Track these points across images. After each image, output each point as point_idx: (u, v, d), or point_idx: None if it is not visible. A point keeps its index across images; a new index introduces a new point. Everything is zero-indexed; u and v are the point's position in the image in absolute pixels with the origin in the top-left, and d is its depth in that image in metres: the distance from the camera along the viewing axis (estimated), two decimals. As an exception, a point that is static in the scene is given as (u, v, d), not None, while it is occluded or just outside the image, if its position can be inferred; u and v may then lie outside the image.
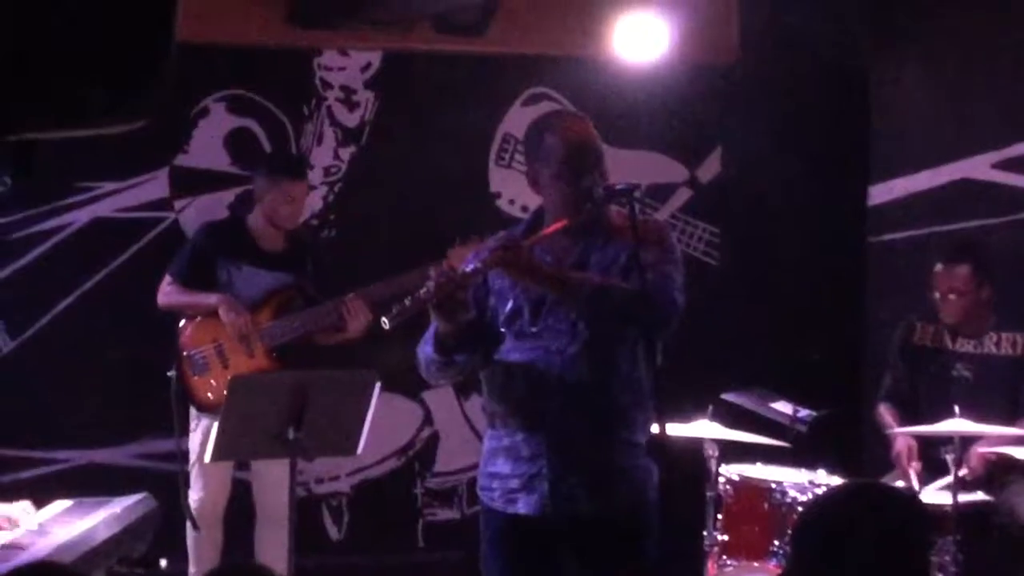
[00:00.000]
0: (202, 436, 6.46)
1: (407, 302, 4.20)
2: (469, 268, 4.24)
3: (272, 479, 6.46)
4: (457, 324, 4.22)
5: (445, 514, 7.83)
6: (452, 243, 6.19)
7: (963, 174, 7.53)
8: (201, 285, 6.53)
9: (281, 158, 6.72)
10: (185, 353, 6.49)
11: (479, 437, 4.55)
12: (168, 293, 6.60)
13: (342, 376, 5.80)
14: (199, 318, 6.52)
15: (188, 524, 6.46)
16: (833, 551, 2.63)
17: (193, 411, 6.52)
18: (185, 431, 6.49)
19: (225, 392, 6.34)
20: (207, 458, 5.76)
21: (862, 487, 3.02)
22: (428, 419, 7.81)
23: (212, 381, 6.45)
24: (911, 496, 2.90)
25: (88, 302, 6.82)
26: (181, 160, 7.33)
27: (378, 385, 5.71)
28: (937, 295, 6.50)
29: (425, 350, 4.34)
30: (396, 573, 7.62)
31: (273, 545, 6.44)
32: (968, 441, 6.04)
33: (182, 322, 6.56)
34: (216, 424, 6.36)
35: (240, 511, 6.62)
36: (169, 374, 6.44)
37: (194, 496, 6.47)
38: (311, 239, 6.95)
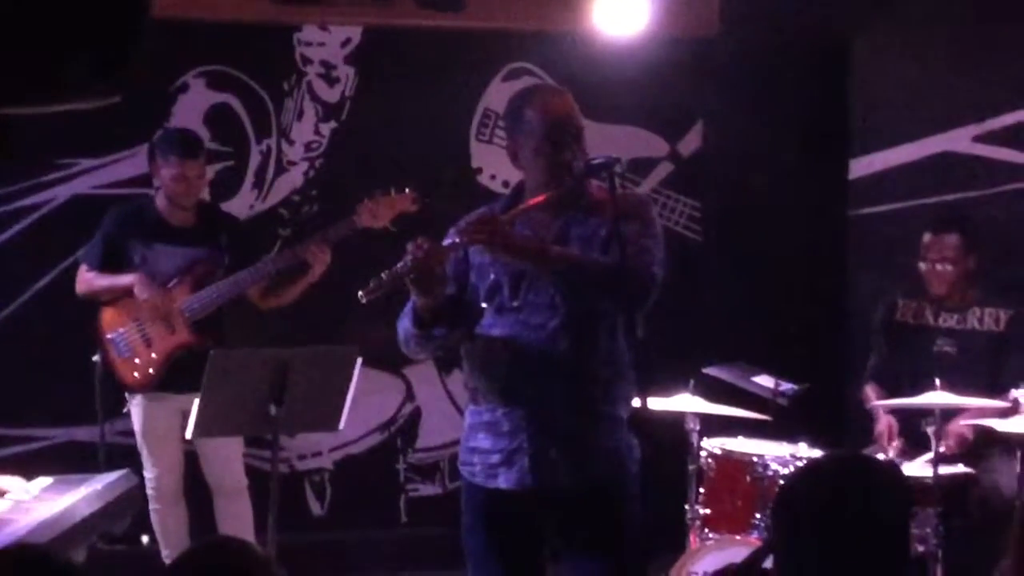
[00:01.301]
0: (142, 416, 6.46)
1: (384, 275, 4.20)
2: (447, 242, 4.24)
3: (218, 455, 6.46)
4: (435, 298, 4.22)
5: (427, 489, 7.83)
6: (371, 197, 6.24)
7: (944, 147, 7.54)
8: (116, 268, 6.51)
9: (172, 137, 6.64)
10: (107, 336, 6.47)
11: (461, 412, 4.55)
12: (85, 280, 6.58)
13: (323, 352, 5.80)
14: (118, 301, 6.49)
15: (150, 502, 6.47)
16: (814, 523, 2.64)
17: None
18: (110, 415, 6.55)
19: (153, 371, 6.38)
20: (188, 435, 5.77)
21: (843, 459, 3.02)
22: (410, 395, 7.81)
23: (136, 360, 6.44)
24: (892, 467, 2.90)
25: (68, 279, 6.79)
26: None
27: (359, 361, 5.71)
28: (924, 265, 6.52)
29: (404, 324, 4.34)
30: (379, 548, 7.62)
31: (234, 520, 6.45)
32: (949, 414, 6.05)
33: (102, 307, 6.54)
34: (144, 401, 6.40)
35: (204, 487, 6.60)
36: (93, 359, 6.44)
37: (148, 475, 6.47)
38: (225, 214, 6.90)
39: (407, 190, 6.37)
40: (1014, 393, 5.84)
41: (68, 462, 6.67)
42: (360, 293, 4.22)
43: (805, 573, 2.62)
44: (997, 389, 6.10)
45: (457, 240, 4.23)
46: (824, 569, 2.61)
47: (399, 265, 4.19)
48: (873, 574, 2.62)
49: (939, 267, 6.48)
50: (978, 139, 7.36)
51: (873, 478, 2.69)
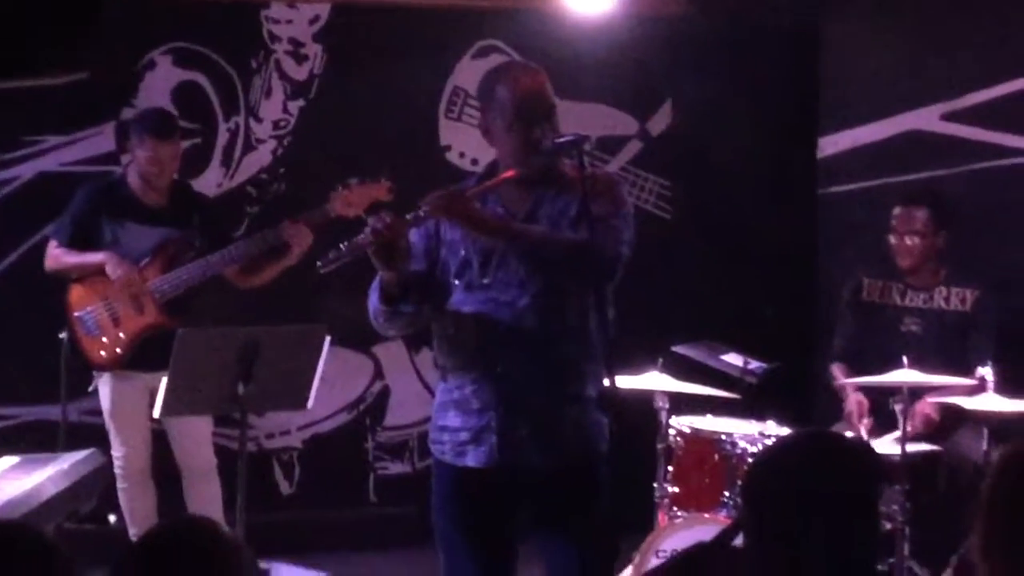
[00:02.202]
0: (110, 394, 6.44)
1: (343, 247, 4.20)
2: (410, 215, 4.23)
3: (187, 433, 6.45)
4: (398, 272, 4.21)
5: (396, 468, 7.83)
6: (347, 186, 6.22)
7: (912, 126, 7.56)
8: (86, 246, 6.47)
9: (148, 117, 6.59)
10: (75, 314, 6.45)
11: (430, 391, 4.55)
12: (54, 257, 6.55)
13: (291, 330, 5.80)
14: (87, 279, 6.46)
15: (118, 481, 6.45)
16: (783, 500, 2.64)
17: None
18: (76, 394, 6.52)
19: (120, 350, 6.36)
20: (156, 413, 5.76)
21: (811, 436, 3.03)
22: (379, 373, 7.80)
23: (104, 339, 6.41)
24: (861, 444, 2.91)
25: (34, 257, 6.76)
26: (127, 114, 7.25)
27: (328, 339, 5.70)
28: (894, 238, 6.55)
29: (372, 300, 4.33)
30: (347, 527, 7.62)
31: (203, 500, 6.45)
32: (916, 392, 6.07)
33: (71, 284, 6.51)
34: (112, 380, 6.38)
35: (173, 466, 6.58)
36: (60, 336, 6.42)
37: (116, 454, 6.45)
38: (197, 193, 6.87)
39: (382, 179, 6.34)
40: (980, 371, 5.88)
41: (34, 441, 6.65)
42: (319, 263, 4.24)
43: (774, 551, 2.63)
44: (964, 368, 6.14)
45: (420, 213, 4.23)
46: (793, 546, 2.61)
47: (360, 237, 4.18)
48: (842, 550, 2.63)
49: (907, 240, 6.52)
50: (946, 117, 7.38)
51: (841, 455, 2.70)
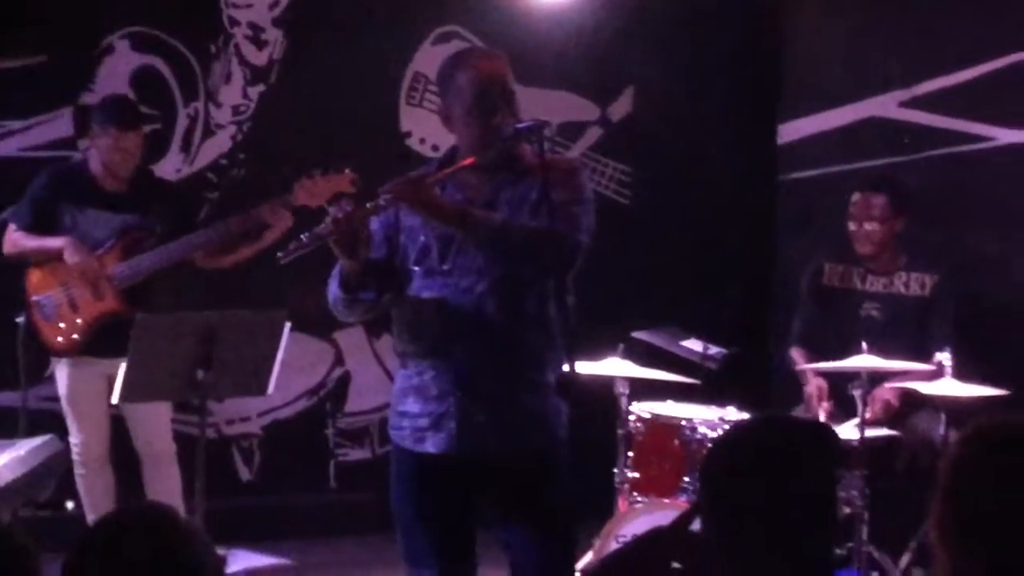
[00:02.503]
0: (67, 380, 6.41)
1: (304, 237, 4.19)
2: (370, 204, 4.22)
3: (146, 420, 6.43)
4: (359, 260, 4.20)
5: (357, 454, 7.82)
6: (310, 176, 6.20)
7: (871, 112, 7.59)
8: (45, 231, 6.43)
9: (112, 106, 6.55)
10: (33, 298, 6.42)
11: (390, 377, 4.55)
12: (12, 241, 6.51)
13: (251, 316, 5.78)
14: (46, 263, 6.43)
15: (76, 468, 6.43)
16: (739, 484, 2.65)
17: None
18: (33, 379, 6.51)
19: (78, 336, 6.33)
20: (115, 399, 5.73)
21: (769, 420, 3.04)
22: (339, 359, 7.79)
23: (61, 325, 6.38)
24: (819, 427, 2.92)
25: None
26: (86, 98, 7.21)
27: (288, 325, 5.69)
28: (853, 225, 6.58)
29: (332, 287, 4.32)
30: (308, 514, 7.61)
31: (162, 486, 6.43)
32: (875, 377, 6.10)
33: (29, 268, 6.47)
34: (70, 366, 6.35)
35: (132, 452, 6.55)
36: (17, 320, 6.39)
37: (74, 440, 6.43)
38: (159, 179, 6.84)
39: (346, 170, 6.30)
40: (939, 356, 5.91)
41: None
42: (279, 254, 4.23)
43: (731, 534, 2.63)
44: (923, 353, 6.17)
45: (380, 201, 4.22)
46: (750, 530, 2.62)
47: (320, 226, 4.18)
48: (799, 534, 2.64)
49: (866, 226, 6.55)
50: (904, 104, 7.42)
51: (797, 438, 2.70)
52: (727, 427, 5.94)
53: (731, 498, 2.65)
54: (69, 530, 6.30)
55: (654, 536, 2.67)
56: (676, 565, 2.64)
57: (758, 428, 2.89)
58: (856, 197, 6.61)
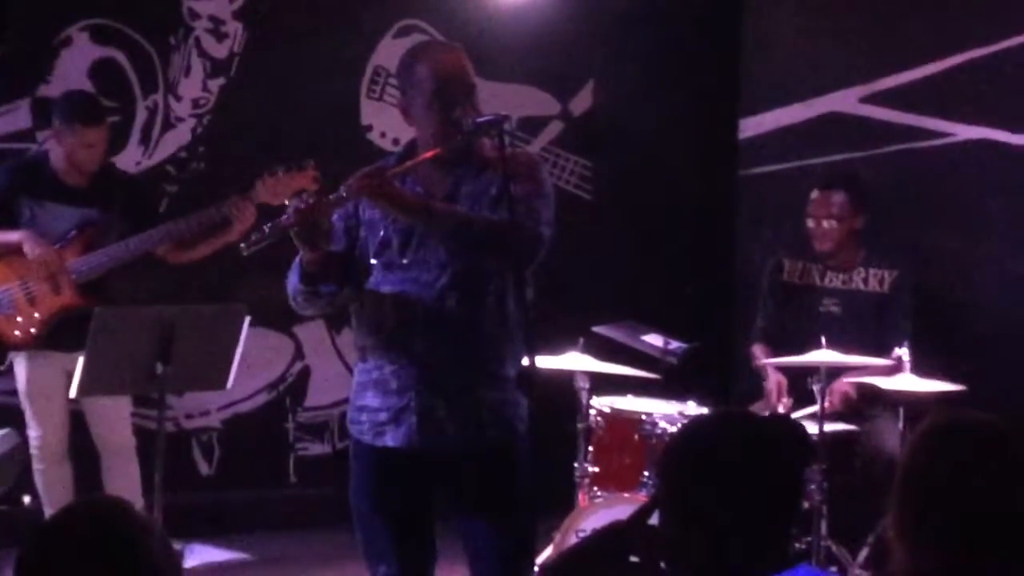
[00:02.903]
0: (25, 374, 6.37)
1: (266, 228, 4.19)
2: (332, 196, 4.22)
3: (105, 414, 6.40)
4: (320, 252, 4.19)
5: (316, 449, 7.81)
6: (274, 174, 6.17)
7: (831, 108, 7.62)
8: (4, 225, 6.39)
9: (76, 102, 6.49)
10: None
11: (351, 371, 4.53)
12: None
13: (211, 310, 5.76)
14: (3, 257, 6.38)
15: (34, 462, 6.40)
16: (693, 478, 2.65)
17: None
18: None
19: (35, 330, 6.29)
20: (72, 393, 5.70)
21: (722, 415, 3.05)
22: (299, 353, 7.77)
23: (19, 318, 6.34)
24: (781, 422, 2.91)
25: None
26: (43, 90, 7.17)
27: (247, 319, 5.67)
28: (811, 222, 6.60)
29: (291, 280, 4.31)
30: (268, 508, 7.59)
31: (121, 480, 6.40)
32: (834, 372, 6.13)
33: None
34: (28, 359, 6.32)
35: (91, 446, 6.52)
36: None
37: (32, 434, 6.40)
38: (121, 173, 6.80)
39: (308, 168, 6.27)
40: (897, 352, 5.93)
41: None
42: (242, 245, 4.22)
43: (690, 530, 2.64)
44: (882, 348, 6.19)
45: (342, 194, 4.21)
46: (708, 525, 2.63)
47: (282, 218, 4.17)
48: (755, 529, 2.64)
49: (825, 224, 6.57)
50: (865, 100, 7.44)
51: (751, 433, 2.70)
52: (685, 422, 5.96)
53: (684, 492, 2.66)
54: (26, 524, 6.31)
55: (612, 530, 2.67)
56: (634, 559, 2.64)
57: (710, 423, 2.89)
58: (815, 195, 6.63)
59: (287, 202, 5.97)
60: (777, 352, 6.54)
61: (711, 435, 2.73)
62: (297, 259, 4.27)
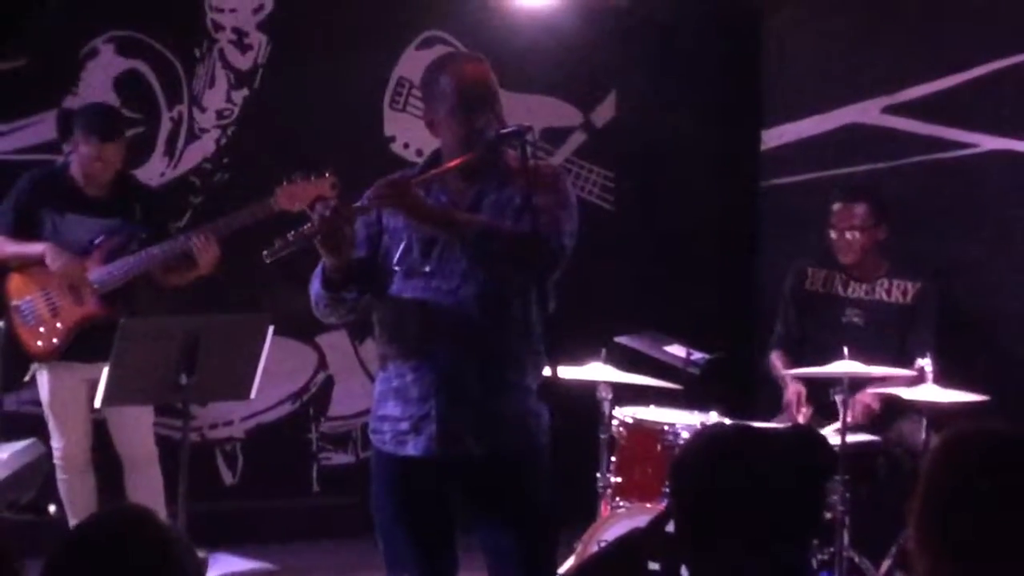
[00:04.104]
0: (48, 385, 6.40)
1: (290, 236, 4.20)
2: (356, 204, 4.23)
3: (128, 424, 6.42)
4: (343, 259, 4.21)
5: (340, 458, 7.82)
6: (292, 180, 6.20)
7: (853, 119, 7.61)
8: (27, 235, 6.43)
9: (93, 117, 6.53)
10: (13, 303, 6.41)
11: (373, 381, 4.53)
12: None
13: (234, 320, 5.78)
14: (26, 268, 6.42)
15: (58, 472, 6.42)
16: (698, 490, 2.66)
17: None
18: (12, 384, 6.50)
19: (57, 341, 6.31)
20: (97, 403, 5.73)
21: (727, 429, 3.05)
22: (323, 363, 7.79)
23: (41, 329, 6.37)
24: (799, 432, 2.90)
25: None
26: (69, 102, 7.20)
27: (271, 329, 5.69)
28: (834, 234, 6.59)
29: (314, 286, 4.33)
30: (291, 518, 7.60)
31: (144, 490, 6.42)
32: (856, 383, 6.12)
33: (9, 273, 6.47)
34: (51, 370, 6.34)
35: (114, 456, 6.55)
36: None
37: (56, 445, 6.42)
38: (140, 183, 6.83)
39: (326, 174, 6.30)
40: (920, 363, 5.92)
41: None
42: (265, 253, 4.22)
43: (700, 537, 2.64)
44: (904, 359, 6.18)
45: (365, 202, 4.22)
46: (711, 531, 2.63)
47: (306, 226, 4.18)
48: (769, 540, 2.64)
49: (848, 235, 6.57)
50: (887, 111, 7.43)
51: (752, 447, 2.70)
52: (696, 432, 5.95)
53: (693, 503, 2.66)
54: (51, 533, 6.32)
55: (631, 537, 2.68)
56: (653, 566, 2.64)
57: (714, 437, 2.89)
58: (837, 206, 6.63)
59: (307, 209, 6.06)
60: (798, 362, 6.53)
61: (708, 452, 2.73)
62: (320, 265, 4.29)
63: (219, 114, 7.56)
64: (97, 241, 6.41)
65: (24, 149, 7.20)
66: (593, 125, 8.16)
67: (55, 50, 7.17)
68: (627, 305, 7.73)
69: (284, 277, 5.45)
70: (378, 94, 7.78)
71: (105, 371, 5.56)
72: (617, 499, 6.11)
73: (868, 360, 5.97)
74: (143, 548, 2.36)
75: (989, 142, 7.03)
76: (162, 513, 5.65)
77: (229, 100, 7.58)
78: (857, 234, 6.54)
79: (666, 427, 6.08)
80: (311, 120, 7.52)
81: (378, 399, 4.42)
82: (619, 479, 6.13)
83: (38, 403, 6.53)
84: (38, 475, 5.55)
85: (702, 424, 6.04)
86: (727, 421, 5.98)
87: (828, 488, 5.57)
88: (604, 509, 6.11)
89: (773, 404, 6.75)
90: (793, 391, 6.46)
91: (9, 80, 7.03)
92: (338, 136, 7.50)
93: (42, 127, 7.22)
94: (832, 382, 6.02)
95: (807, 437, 2.85)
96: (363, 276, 4.30)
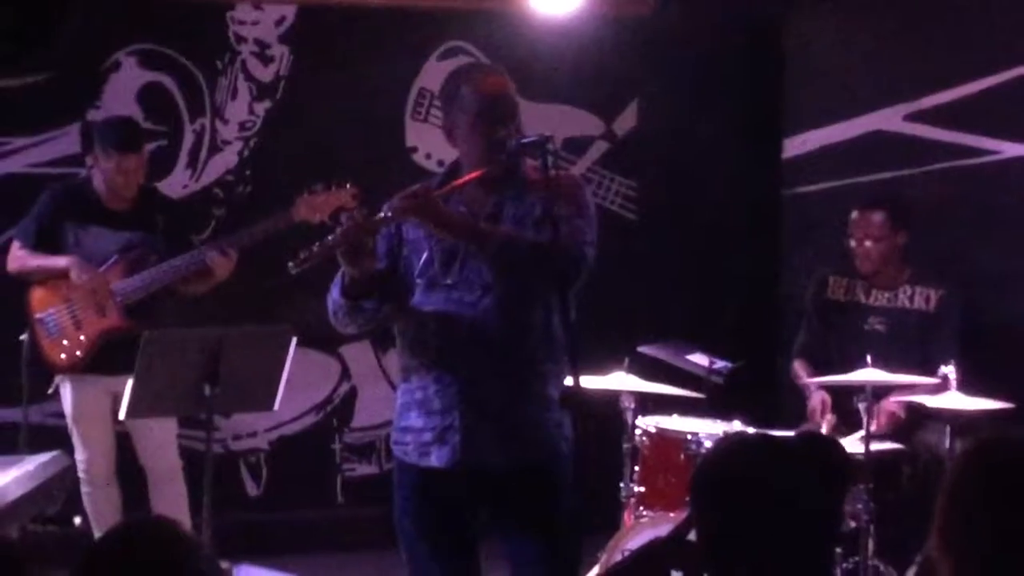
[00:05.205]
0: (72, 398, 6.42)
1: (314, 248, 4.21)
2: (378, 215, 4.24)
3: (151, 437, 6.44)
4: (364, 271, 4.22)
5: (364, 469, 7.83)
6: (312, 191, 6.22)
7: (876, 126, 7.60)
8: (50, 248, 6.45)
9: (111, 129, 6.54)
10: (37, 316, 6.43)
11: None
12: (18, 258, 6.53)
13: (258, 332, 5.80)
14: (49, 281, 6.44)
15: (82, 485, 6.44)
16: (720, 499, 2.66)
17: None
18: (36, 396, 6.52)
19: (81, 353, 6.33)
20: (121, 416, 5.75)
21: (750, 439, 3.05)
22: (346, 374, 7.80)
23: (65, 342, 6.39)
24: (817, 441, 2.90)
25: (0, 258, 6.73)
26: (92, 115, 7.24)
27: (294, 340, 5.70)
28: (853, 243, 6.58)
29: (333, 294, 4.34)
30: (315, 529, 7.61)
31: (169, 502, 6.43)
32: (880, 391, 6.10)
33: (32, 286, 6.49)
34: (75, 383, 6.36)
35: (138, 468, 6.56)
36: (21, 338, 6.40)
37: (80, 457, 6.44)
38: (162, 196, 6.85)
39: (348, 185, 6.32)
40: (943, 370, 5.90)
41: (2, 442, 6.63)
42: (290, 264, 4.24)
43: (720, 546, 2.64)
44: (927, 367, 6.16)
45: (388, 213, 4.23)
46: (733, 542, 2.63)
47: (330, 237, 4.19)
48: (792, 549, 2.64)
49: (866, 244, 6.55)
50: (909, 118, 7.42)
51: (774, 457, 2.70)
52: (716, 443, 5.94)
53: (714, 512, 2.66)
54: (76, 545, 6.35)
55: (653, 547, 2.68)
56: (676, 574, 2.65)
57: (736, 447, 2.89)
58: (855, 215, 6.61)
59: (330, 221, 6.08)
60: (820, 370, 6.52)
61: (729, 461, 2.73)
62: (339, 274, 4.29)
63: (241, 126, 7.58)
64: (119, 253, 6.43)
65: (48, 162, 7.24)
66: (614, 134, 8.16)
67: (78, 63, 7.20)
68: (650, 314, 7.73)
69: (307, 288, 5.46)
70: (400, 105, 7.79)
71: (129, 383, 5.57)
72: (640, 508, 6.10)
73: (891, 368, 5.96)
74: (167, 559, 2.37)
75: (1011, 149, 7.00)
76: (186, 525, 5.68)
77: (251, 112, 7.61)
78: (874, 243, 6.52)
79: (689, 436, 6.07)
80: (333, 131, 7.54)
81: (400, 410, 4.42)
82: (642, 488, 6.12)
83: (62, 415, 6.56)
84: (63, 487, 5.55)
85: (725, 433, 6.03)
86: (750, 430, 5.98)
87: (847, 493, 5.56)
88: (627, 519, 6.11)
89: (797, 413, 6.74)
90: (817, 399, 6.45)
91: (33, 94, 7.07)
92: (360, 147, 7.52)
93: (66, 140, 7.26)
94: (855, 390, 6.00)
95: (817, 442, 2.85)
96: (383, 287, 4.31)
